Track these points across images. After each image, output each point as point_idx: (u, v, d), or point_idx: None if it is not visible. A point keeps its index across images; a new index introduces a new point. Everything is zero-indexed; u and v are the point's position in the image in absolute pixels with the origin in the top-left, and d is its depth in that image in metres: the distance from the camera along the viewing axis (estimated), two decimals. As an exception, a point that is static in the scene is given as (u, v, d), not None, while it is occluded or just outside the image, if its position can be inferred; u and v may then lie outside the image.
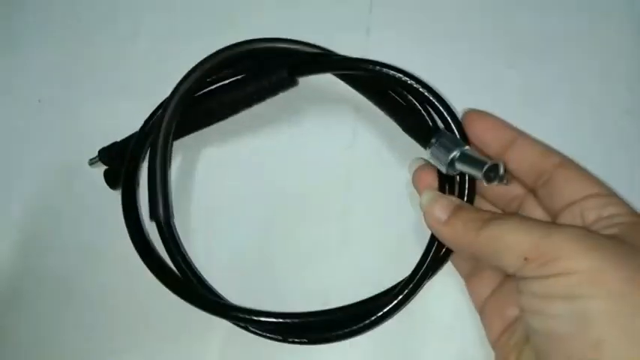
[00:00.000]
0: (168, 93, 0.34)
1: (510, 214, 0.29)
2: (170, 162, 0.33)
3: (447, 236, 0.27)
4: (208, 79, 0.34)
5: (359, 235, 0.34)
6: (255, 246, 0.34)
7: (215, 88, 0.34)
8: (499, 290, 0.29)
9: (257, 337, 0.31)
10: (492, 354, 0.28)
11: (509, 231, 0.24)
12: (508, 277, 0.29)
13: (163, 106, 0.32)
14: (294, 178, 0.35)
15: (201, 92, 0.34)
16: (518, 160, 0.28)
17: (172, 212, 0.32)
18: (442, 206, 0.27)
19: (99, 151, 0.35)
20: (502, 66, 0.36)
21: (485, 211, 0.28)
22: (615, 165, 0.33)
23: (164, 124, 0.32)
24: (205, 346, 0.32)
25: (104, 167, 0.35)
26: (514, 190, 0.30)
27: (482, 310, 0.29)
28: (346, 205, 0.34)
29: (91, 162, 0.35)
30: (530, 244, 0.23)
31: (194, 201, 0.35)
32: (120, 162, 0.34)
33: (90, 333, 0.34)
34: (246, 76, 0.34)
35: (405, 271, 0.30)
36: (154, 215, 0.31)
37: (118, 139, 0.35)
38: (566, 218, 0.26)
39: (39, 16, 0.41)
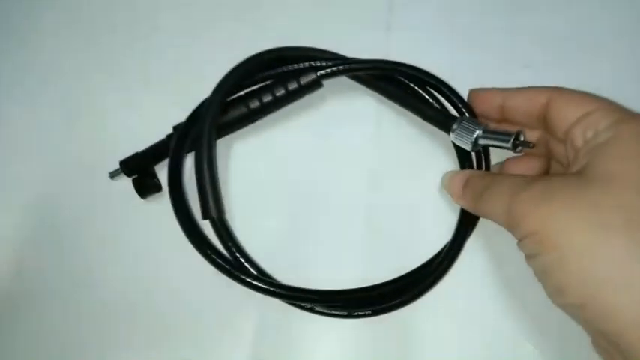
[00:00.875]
0: (187, 87, 0.35)
1: (505, 175, 0.31)
2: (215, 161, 0.33)
3: (464, 206, 0.31)
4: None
5: (385, 223, 0.35)
6: (286, 235, 0.35)
7: (246, 93, 0.35)
8: None
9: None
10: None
11: (492, 197, 0.27)
12: None
13: (205, 106, 0.33)
14: (321, 169, 0.36)
15: (233, 97, 0.35)
16: (513, 113, 0.30)
17: (224, 209, 0.32)
18: (457, 181, 0.31)
19: (120, 163, 0.35)
20: (518, 65, 0.37)
21: (491, 176, 0.30)
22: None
23: (208, 124, 0.32)
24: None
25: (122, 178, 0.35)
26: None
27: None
28: (372, 192, 0.36)
29: (113, 175, 0.35)
30: (503, 210, 0.25)
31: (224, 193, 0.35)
32: (143, 172, 0.34)
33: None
34: (275, 80, 0.35)
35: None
36: (207, 215, 0.31)
37: (139, 134, 0.35)
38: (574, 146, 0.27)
39: (59, 15, 0.41)
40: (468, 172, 0.31)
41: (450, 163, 0.35)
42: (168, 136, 0.35)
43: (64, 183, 0.36)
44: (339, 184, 0.36)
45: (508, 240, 0.26)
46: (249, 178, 0.36)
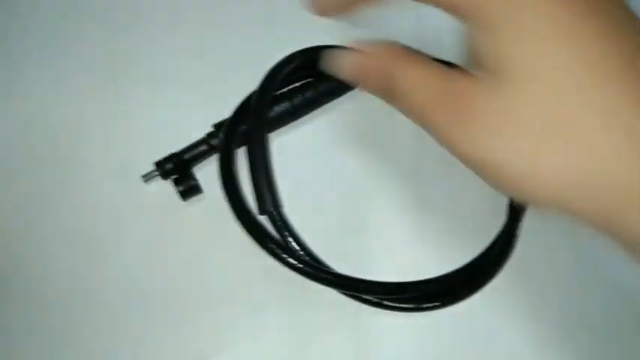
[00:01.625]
0: (211, 81, 0.34)
1: None
2: (269, 155, 0.32)
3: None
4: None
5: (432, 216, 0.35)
6: (336, 229, 0.35)
7: (288, 90, 0.34)
8: None
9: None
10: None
11: None
12: None
13: (254, 98, 0.32)
14: (365, 167, 0.36)
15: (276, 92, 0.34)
16: None
17: (281, 202, 0.31)
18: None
19: (156, 164, 0.33)
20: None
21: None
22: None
23: (256, 116, 0.31)
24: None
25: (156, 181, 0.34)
26: None
27: None
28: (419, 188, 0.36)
29: (147, 177, 0.33)
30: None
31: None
32: (182, 173, 0.33)
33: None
34: (315, 79, 0.34)
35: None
36: (264, 210, 0.31)
37: (168, 131, 0.35)
38: None
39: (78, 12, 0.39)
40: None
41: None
42: (209, 134, 0.34)
43: (93, 188, 0.35)
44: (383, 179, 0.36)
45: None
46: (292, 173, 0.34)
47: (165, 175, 0.34)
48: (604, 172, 0.18)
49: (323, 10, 0.24)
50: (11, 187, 0.35)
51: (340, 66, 0.23)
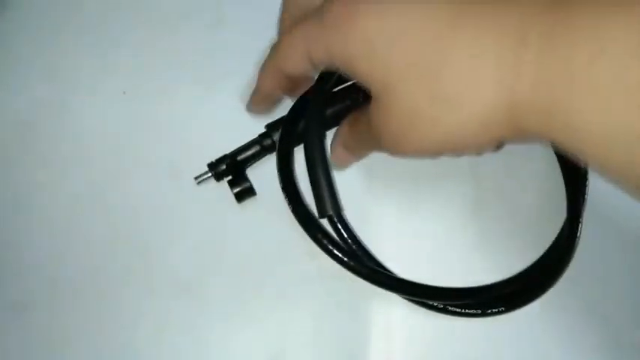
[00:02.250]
0: (249, 80, 0.33)
1: None
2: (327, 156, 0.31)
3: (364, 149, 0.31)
4: None
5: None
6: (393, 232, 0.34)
7: (342, 88, 0.33)
8: None
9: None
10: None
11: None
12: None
13: (310, 100, 0.31)
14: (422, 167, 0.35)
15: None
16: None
17: (341, 205, 0.30)
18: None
19: (209, 166, 0.33)
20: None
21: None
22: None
23: (314, 118, 0.30)
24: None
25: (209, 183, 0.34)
26: None
27: None
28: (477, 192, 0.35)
29: (200, 179, 0.33)
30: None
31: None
32: (236, 175, 0.33)
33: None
34: None
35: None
36: (324, 212, 0.30)
37: (216, 134, 0.34)
38: None
39: (125, 13, 0.39)
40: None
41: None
42: (262, 135, 0.33)
43: (147, 189, 0.35)
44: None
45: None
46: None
47: (218, 177, 0.33)
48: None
49: (256, 112, 0.34)
50: (64, 187, 0.35)
51: None
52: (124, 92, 0.37)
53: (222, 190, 0.34)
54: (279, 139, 0.32)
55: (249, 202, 0.34)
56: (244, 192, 0.33)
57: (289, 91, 0.32)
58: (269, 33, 0.38)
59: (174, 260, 0.34)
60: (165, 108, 0.37)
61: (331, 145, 0.32)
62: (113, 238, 0.34)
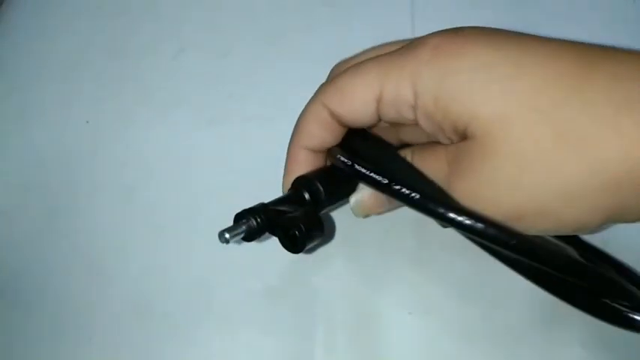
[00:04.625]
0: (216, 106, 0.34)
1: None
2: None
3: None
4: None
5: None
6: None
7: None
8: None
9: None
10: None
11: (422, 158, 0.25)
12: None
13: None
14: None
15: None
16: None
17: None
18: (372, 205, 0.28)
19: (238, 217, 0.26)
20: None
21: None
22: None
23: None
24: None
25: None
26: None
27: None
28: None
29: (227, 238, 0.25)
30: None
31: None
32: (276, 229, 0.26)
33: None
34: None
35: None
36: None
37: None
38: None
39: (84, 41, 0.41)
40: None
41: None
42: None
43: (104, 213, 0.36)
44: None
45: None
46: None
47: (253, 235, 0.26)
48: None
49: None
50: (26, 213, 0.36)
51: None
52: (87, 122, 0.38)
53: (173, 213, 0.35)
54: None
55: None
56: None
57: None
58: (227, 61, 0.39)
59: (126, 282, 0.34)
60: (126, 135, 0.38)
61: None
62: (71, 259, 0.35)
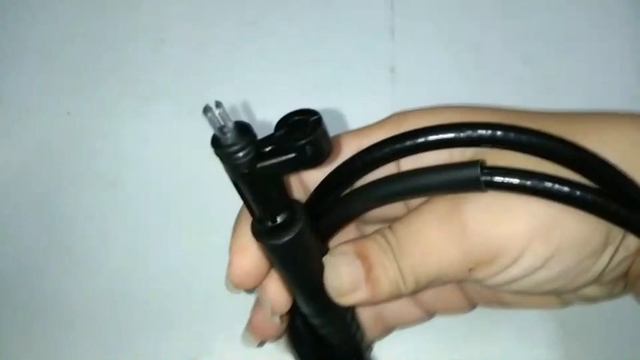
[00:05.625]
0: (196, 97, 0.34)
1: (406, 220, 0.22)
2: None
3: (382, 302, 0.22)
4: None
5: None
6: None
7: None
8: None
9: None
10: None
11: (430, 252, 0.20)
12: None
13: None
14: None
15: None
16: None
17: None
18: (350, 270, 0.21)
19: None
20: (518, 62, 0.38)
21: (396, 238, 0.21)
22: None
23: None
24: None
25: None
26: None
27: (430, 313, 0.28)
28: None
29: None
30: (461, 257, 0.20)
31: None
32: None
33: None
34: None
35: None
36: None
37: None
38: None
39: (65, 32, 0.41)
40: (350, 256, 0.21)
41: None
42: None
43: (87, 200, 0.36)
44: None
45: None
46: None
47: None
48: None
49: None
50: (8, 200, 0.36)
51: None
52: (69, 113, 0.38)
53: (153, 202, 0.35)
54: None
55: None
56: None
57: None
58: (208, 51, 0.40)
59: (107, 270, 0.35)
60: (108, 126, 0.38)
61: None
62: (52, 248, 0.35)
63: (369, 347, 0.28)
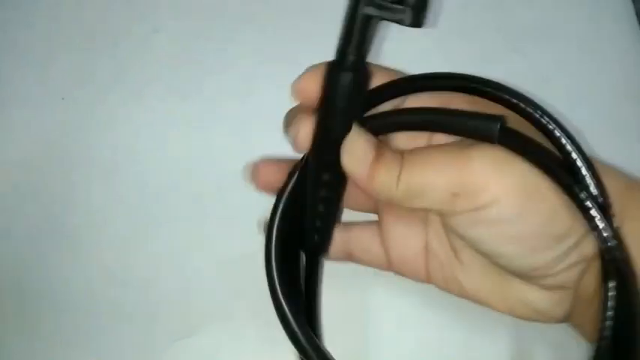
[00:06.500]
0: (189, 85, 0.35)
1: (421, 148, 0.25)
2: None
3: (370, 186, 0.24)
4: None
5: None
6: None
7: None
8: (388, 238, 0.28)
9: None
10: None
11: (430, 170, 0.23)
12: (383, 221, 0.28)
13: None
14: None
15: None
16: None
17: None
18: (365, 147, 0.24)
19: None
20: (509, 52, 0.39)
21: (396, 152, 0.24)
22: (613, 146, 0.36)
23: None
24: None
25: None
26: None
27: (390, 264, 0.29)
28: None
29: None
30: (452, 179, 0.23)
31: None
32: None
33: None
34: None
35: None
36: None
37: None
38: None
39: (59, 21, 0.41)
40: (372, 137, 0.24)
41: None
42: None
43: (84, 189, 0.36)
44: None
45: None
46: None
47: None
48: None
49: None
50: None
51: None
52: (63, 98, 0.39)
53: (149, 189, 0.36)
54: None
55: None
56: None
57: None
58: (201, 42, 0.40)
59: (104, 256, 0.35)
60: (103, 112, 0.38)
61: None
62: (48, 235, 0.35)
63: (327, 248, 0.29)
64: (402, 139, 0.26)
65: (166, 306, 0.33)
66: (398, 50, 0.35)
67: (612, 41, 0.39)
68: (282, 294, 0.26)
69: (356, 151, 0.24)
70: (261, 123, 0.32)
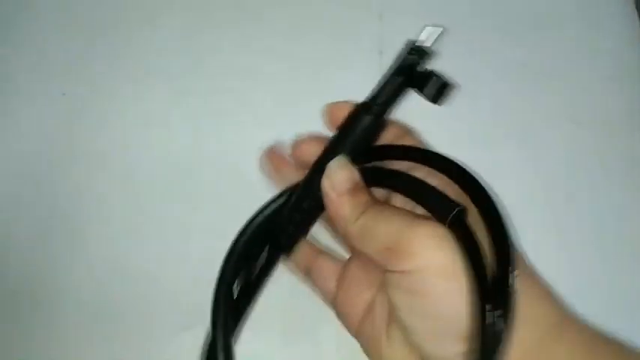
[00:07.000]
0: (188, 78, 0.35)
1: (384, 203, 0.27)
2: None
3: (335, 212, 0.26)
4: None
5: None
6: None
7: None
8: (345, 278, 0.29)
9: None
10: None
11: (383, 221, 0.24)
12: (350, 262, 0.29)
13: None
14: None
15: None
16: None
17: None
18: (346, 178, 0.26)
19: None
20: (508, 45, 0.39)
21: (369, 196, 0.26)
22: (607, 134, 0.37)
23: None
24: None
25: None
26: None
27: (335, 301, 0.29)
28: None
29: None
30: (392, 236, 0.24)
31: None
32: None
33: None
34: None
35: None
36: None
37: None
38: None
39: (59, 15, 0.42)
40: (356, 173, 0.26)
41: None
42: None
43: (81, 180, 0.37)
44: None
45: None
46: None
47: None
48: None
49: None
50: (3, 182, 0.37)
51: None
52: (64, 94, 0.39)
53: (147, 178, 0.36)
54: None
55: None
56: None
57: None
58: (199, 37, 0.40)
59: (103, 244, 0.36)
60: (102, 107, 0.39)
61: None
62: (49, 224, 0.36)
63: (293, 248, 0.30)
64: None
65: (169, 298, 0.34)
66: (396, 45, 0.35)
67: (603, 33, 0.40)
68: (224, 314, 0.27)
69: (338, 176, 0.26)
70: (258, 120, 0.33)
